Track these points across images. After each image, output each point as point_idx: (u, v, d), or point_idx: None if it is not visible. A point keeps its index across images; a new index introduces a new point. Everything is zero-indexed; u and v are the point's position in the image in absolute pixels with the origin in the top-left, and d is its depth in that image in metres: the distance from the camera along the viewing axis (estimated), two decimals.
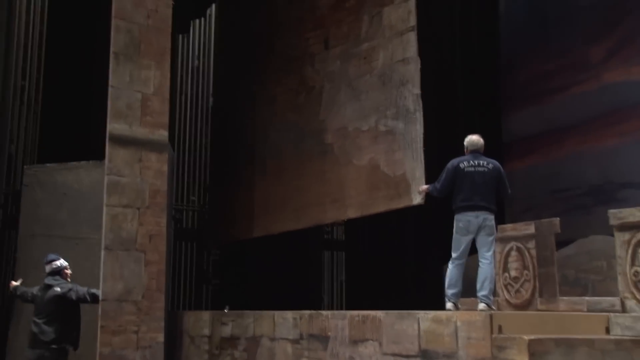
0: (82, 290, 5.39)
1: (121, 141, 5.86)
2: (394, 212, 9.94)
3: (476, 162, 5.18)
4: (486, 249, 5.05)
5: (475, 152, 5.28)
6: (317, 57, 7.87)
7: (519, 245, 5.37)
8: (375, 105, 6.89)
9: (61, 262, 5.55)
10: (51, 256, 5.60)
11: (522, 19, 9.08)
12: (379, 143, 6.80)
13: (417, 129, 6.34)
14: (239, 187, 9.04)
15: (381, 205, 6.78)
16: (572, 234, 6.84)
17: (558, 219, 5.20)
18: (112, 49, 6.02)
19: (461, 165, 5.19)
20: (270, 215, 8.37)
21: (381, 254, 10.06)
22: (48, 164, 7.44)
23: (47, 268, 5.52)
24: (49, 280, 5.45)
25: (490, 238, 5.08)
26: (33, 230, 6.98)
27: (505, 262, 5.51)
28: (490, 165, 5.22)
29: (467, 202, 5.09)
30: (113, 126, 5.86)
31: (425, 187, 5.63)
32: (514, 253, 5.43)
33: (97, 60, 7.62)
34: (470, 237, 5.12)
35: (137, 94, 5.99)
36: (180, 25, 9.55)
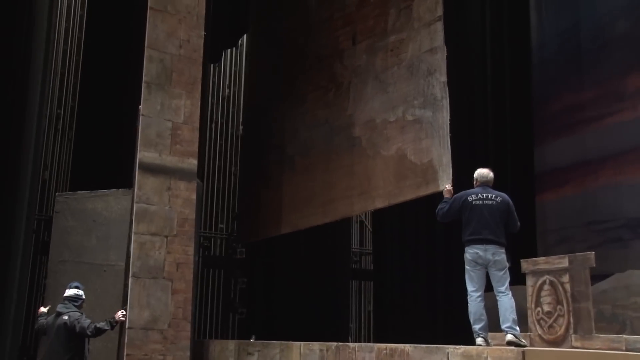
0: (87, 322, 5.35)
1: (151, 169, 5.91)
2: (424, 242, 9.85)
3: (484, 195, 5.14)
4: (500, 284, 4.97)
5: (484, 184, 5.25)
6: (345, 53, 8.01)
7: (552, 279, 5.21)
8: (403, 96, 6.98)
9: (80, 292, 5.59)
10: (74, 283, 5.65)
11: (555, 48, 8.96)
12: (406, 132, 6.87)
13: (444, 116, 6.41)
14: (267, 187, 9.15)
15: (408, 194, 6.80)
16: (608, 268, 6.63)
17: (593, 252, 5.04)
18: (144, 79, 6.11)
19: (469, 199, 5.16)
20: (298, 212, 8.42)
21: (410, 284, 9.89)
22: (79, 192, 7.55)
23: (67, 292, 5.57)
24: (60, 308, 5.50)
25: (502, 273, 5.00)
26: (63, 256, 7.06)
27: (538, 296, 5.34)
28: (499, 199, 5.15)
29: (475, 236, 5.07)
30: (143, 154, 5.91)
31: (449, 187, 5.60)
32: (547, 287, 5.27)
33: (129, 89, 7.75)
34: (481, 269, 5.05)
35: (168, 122, 6.05)
36: (212, 55, 9.69)
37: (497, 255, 5.01)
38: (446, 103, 6.44)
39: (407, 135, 6.83)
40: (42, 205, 9.16)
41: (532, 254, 7.57)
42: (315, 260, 10.16)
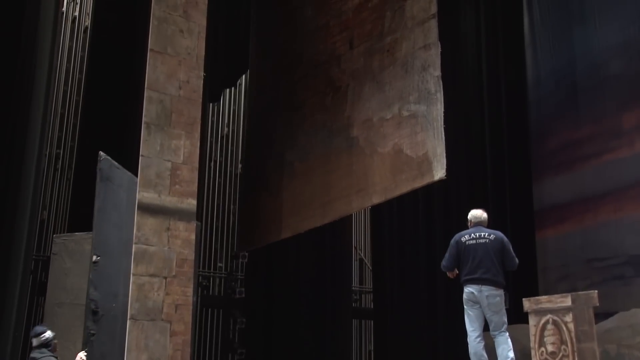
0: None
1: (150, 210, 5.88)
2: (425, 281, 9.78)
3: (477, 235, 5.15)
4: (497, 327, 4.93)
5: (478, 224, 5.26)
6: (342, 58, 8.15)
7: (555, 318, 5.15)
8: (399, 93, 7.10)
9: (50, 333, 5.51)
10: (39, 328, 5.58)
11: (551, 85, 9.07)
12: (402, 128, 6.97)
13: (438, 108, 6.53)
14: (267, 194, 9.15)
15: (404, 187, 6.90)
16: (611, 306, 6.57)
17: (596, 291, 4.99)
18: (144, 119, 6.12)
19: (463, 239, 5.17)
20: (297, 216, 8.43)
21: (410, 323, 9.78)
22: (77, 233, 7.50)
23: (35, 341, 5.48)
24: (34, 354, 5.38)
25: (497, 316, 4.95)
26: (60, 298, 6.98)
27: (541, 336, 5.26)
28: (492, 237, 5.15)
29: (470, 276, 5.07)
30: (142, 195, 5.89)
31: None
32: (550, 326, 5.20)
33: (129, 130, 7.79)
34: (479, 308, 5.02)
35: (167, 163, 6.04)
36: (211, 95, 9.77)
37: (492, 297, 4.99)
38: (440, 96, 6.59)
39: (403, 131, 6.97)
40: (39, 245, 9.10)
41: (534, 291, 7.53)
42: (315, 299, 10.06)
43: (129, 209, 6.03)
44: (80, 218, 8.71)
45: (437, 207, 9.88)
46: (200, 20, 6.68)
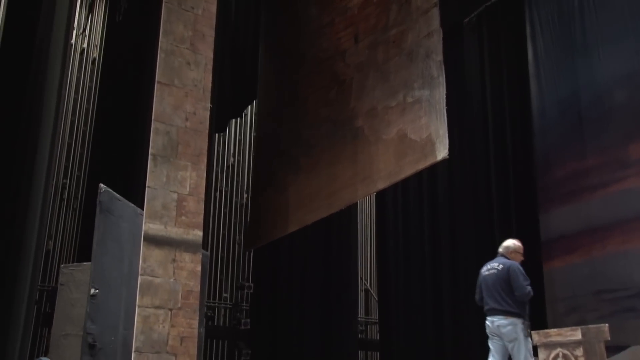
0: None
1: (156, 241, 5.87)
2: (432, 311, 9.69)
3: (491, 265, 5.16)
4: (515, 357, 4.90)
5: (500, 255, 5.26)
6: (347, 53, 8.24)
7: (566, 352, 5.08)
8: (404, 81, 7.19)
9: None
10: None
11: (556, 116, 9.08)
12: (406, 114, 7.04)
13: (441, 92, 6.62)
14: (273, 189, 9.19)
15: (408, 170, 6.96)
16: (623, 339, 6.47)
17: (607, 325, 4.94)
18: (150, 151, 6.15)
19: (481, 271, 5.19)
20: (304, 209, 8.43)
21: (417, 355, 9.66)
22: (84, 263, 7.49)
23: None
24: None
25: (511, 344, 4.91)
26: (66, 329, 6.93)
27: None
28: (500, 267, 5.15)
29: (485, 307, 5.10)
30: (148, 226, 5.88)
31: None
32: None
33: (136, 161, 7.82)
34: (498, 340, 4.98)
35: (173, 194, 6.05)
36: (217, 125, 9.83)
37: (503, 327, 4.96)
38: (442, 80, 6.70)
39: (407, 117, 7.05)
40: (44, 275, 9.08)
41: (542, 323, 7.43)
42: (320, 330, 9.97)
43: (131, 240, 6.03)
44: (86, 248, 8.70)
45: (444, 239, 9.84)
46: (207, 52, 6.76)
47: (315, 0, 9.09)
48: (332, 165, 8.05)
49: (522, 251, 5.57)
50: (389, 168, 7.20)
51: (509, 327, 4.99)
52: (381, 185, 7.44)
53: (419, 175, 10.53)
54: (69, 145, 10.07)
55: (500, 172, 9.38)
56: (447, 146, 6.45)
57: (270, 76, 10.13)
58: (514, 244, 5.42)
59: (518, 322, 5.06)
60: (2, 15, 9.74)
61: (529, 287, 5.21)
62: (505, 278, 5.10)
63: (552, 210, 8.69)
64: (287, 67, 9.56)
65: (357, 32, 8.16)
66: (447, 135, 6.47)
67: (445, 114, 6.57)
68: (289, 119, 9.22)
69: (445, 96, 6.63)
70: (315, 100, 8.64)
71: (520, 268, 5.29)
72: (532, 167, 9.19)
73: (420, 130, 6.82)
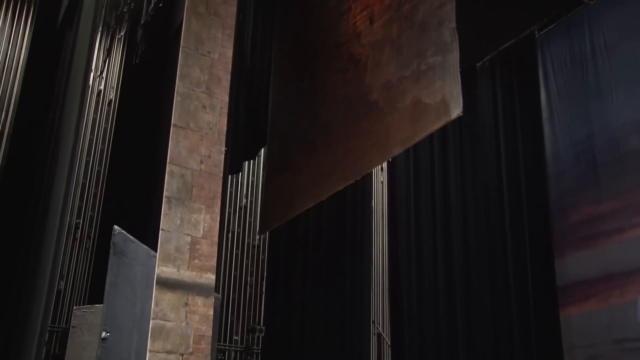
0: None
1: (168, 284, 5.84)
2: (445, 353, 9.51)
3: None
4: None
5: None
6: (362, 34, 8.30)
7: None
8: (417, 51, 7.19)
9: None
10: None
11: (570, 159, 9.06)
12: (420, 81, 7.01)
13: (454, 55, 6.60)
14: (289, 173, 9.16)
15: (422, 133, 6.95)
16: None
17: None
18: (165, 193, 6.18)
19: None
20: (320, 185, 8.41)
21: None
22: (97, 305, 7.44)
23: None
24: None
25: None
26: None
27: None
28: None
29: None
30: (161, 269, 5.87)
31: None
32: None
33: (150, 203, 7.85)
34: None
35: (187, 237, 6.05)
36: (231, 167, 9.87)
37: None
38: (455, 45, 6.66)
39: (421, 84, 7.03)
40: (55, 317, 9.04)
41: None
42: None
43: (143, 283, 6.01)
44: (98, 289, 8.66)
45: (459, 281, 9.72)
46: (222, 96, 6.85)
47: None
48: (347, 140, 8.08)
49: None
50: (404, 134, 7.21)
51: None
52: (396, 151, 7.46)
53: (432, 215, 10.50)
54: (83, 185, 10.15)
55: (515, 216, 9.30)
56: (461, 105, 6.41)
57: (286, 70, 10.21)
58: None
59: None
60: (24, 58, 9.95)
61: None
62: None
63: (568, 255, 8.57)
64: (303, 58, 9.67)
65: (372, 13, 8.29)
66: (460, 95, 6.44)
67: (459, 76, 6.56)
68: (305, 105, 9.27)
69: (458, 59, 6.63)
70: (332, 83, 8.74)
71: None
72: (547, 211, 9.12)
73: (434, 94, 6.83)
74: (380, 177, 12.73)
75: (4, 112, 9.83)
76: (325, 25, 9.29)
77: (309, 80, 9.37)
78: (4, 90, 9.94)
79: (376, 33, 8.16)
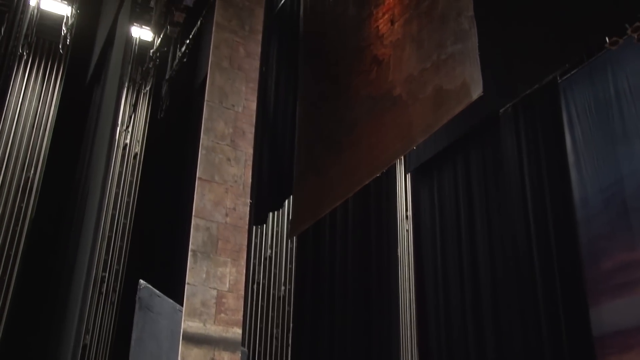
0: None
1: (195, 340, 5.77)
2: None
3: None
4: None
5: None
6: (384, 35, 8.34)
7: None
8: (437, 43, 7.17)
9: None
10: None
11: (599, 205, 8.89)
12: (440, 70, 6.98)
13: (473, 42, 6.57)
14: (316, 173, 9.13)
15: (445, 118, 6.87)
16: None
17: None
18: (190, 247, 6.16)
19: None
20: (347, 182, 8.39)
21: None
22: None
23: None
24: None
25: None
26: None
27: None
28: None
29: None
30: (187, 324, 5.80)
31: None
32: None
33: (175, 256, 7.85)
34: None
35: (213, 291, 6.00)
36: (256, 219, 9.88)
37: None
38: (474, 31, 6.65)
39: (442, 72, 7.00)
40: None
41: None
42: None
43: (169, 338, 5.94)
44: (123, 343, 8.61)
45: (489, 335, 9.47)
46: (247, 148, 6.89)
47: (354, 1, 9.40)
48: (372, 135, 8.08)
49: None
50: (426, 121, 7.18)
51: None
52: (420, 138, 7.43)
53: (459, 269, 10.33)
54: (109, 238, 10.21)
55: (545, 265, 9.08)
56: (481, 86, 6.36)
57: (309, 79, 10.28)
58: None
59: None
60: (53, 114, 10.21)
61: None
62: None
63: (603, 304, 8.31)
64: (326, 64, 9.75)
65: (393, 15, 8.38)
66: (480, 77, 6.40)
67: (479, 59, 6.52)
68: (330, 109, 9.30)
69: (477, 45, 6.60)
70: (356, 85, 8.77)
71: None
72: (578, 259, 8.89)
73: (455, 79, 6.81)
74: (405, 225, 12.62)
75: (33, 168, 10.03)
76: (347, 33, 9.42)
77: (332, 85, 9.48)
78: (34, 146, 10.17)
79: (397, 32, 8.25)
